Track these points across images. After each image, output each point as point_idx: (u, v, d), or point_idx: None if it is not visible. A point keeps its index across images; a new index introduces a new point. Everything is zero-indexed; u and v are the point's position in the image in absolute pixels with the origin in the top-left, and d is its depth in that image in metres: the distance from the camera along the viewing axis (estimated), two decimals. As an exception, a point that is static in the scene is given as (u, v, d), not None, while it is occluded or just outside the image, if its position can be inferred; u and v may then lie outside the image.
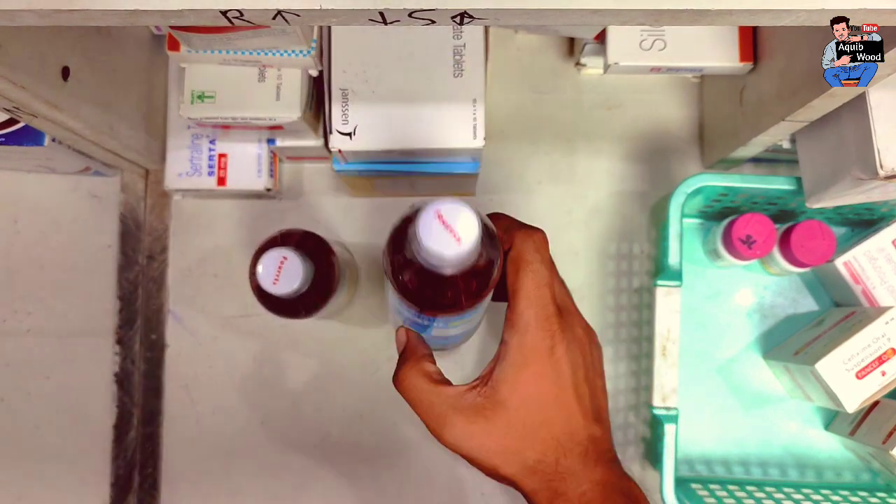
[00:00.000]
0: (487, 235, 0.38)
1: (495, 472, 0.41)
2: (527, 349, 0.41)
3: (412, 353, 0.44)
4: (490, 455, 0.41)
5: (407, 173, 0.57)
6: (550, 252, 0.43)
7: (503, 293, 0.42)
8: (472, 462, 0.42)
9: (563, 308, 0.43)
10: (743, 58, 0.56)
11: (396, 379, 0.44)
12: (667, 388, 0.59)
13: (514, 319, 0.41)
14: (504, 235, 0.42)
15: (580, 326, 0.44)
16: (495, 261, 0.39)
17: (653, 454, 0.65)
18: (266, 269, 0.49)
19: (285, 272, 0.49)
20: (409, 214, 0.38)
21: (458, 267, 0.37)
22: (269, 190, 0.64)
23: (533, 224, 0.44)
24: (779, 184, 0.59)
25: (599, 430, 0.42)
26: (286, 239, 0.54)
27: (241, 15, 0.33)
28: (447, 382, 0.43)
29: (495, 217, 0.44)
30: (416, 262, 0.36)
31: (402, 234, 0.38)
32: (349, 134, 0.52)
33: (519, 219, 0.43)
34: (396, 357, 0.44)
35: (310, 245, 0.54)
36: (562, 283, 0.46)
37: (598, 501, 0.40)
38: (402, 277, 0.39)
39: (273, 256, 0.49)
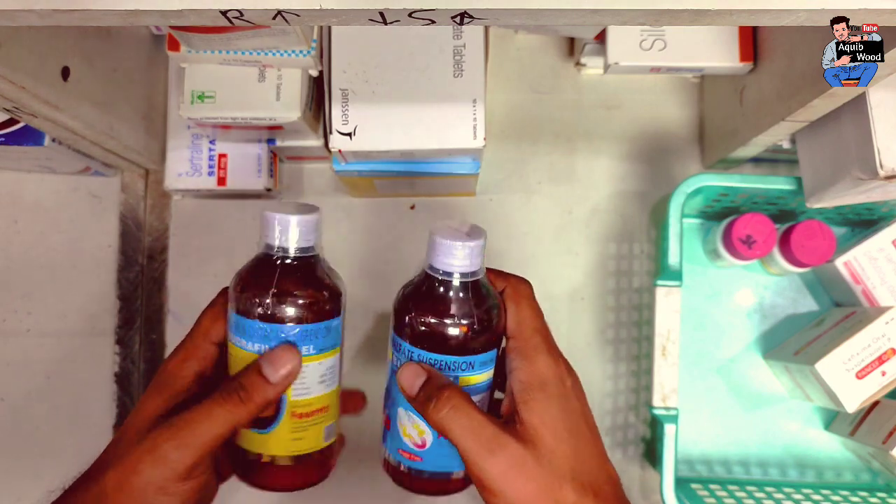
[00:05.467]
0: (486, 288, 0.41)
1: None
2: (543, 376, 0.39)
3: (442, 378, 0.41)
4: (527, 499, 0.38)
5: (407, 173, 0.57)
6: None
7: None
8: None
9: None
10: (743, 58, 0.56)
11: (440, 402, 0.39)
12: (667, 389, 0.59)
13: (521, 347, 0.40)
14: (496, 280, 0.43)
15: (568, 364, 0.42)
16: (494, 309, 0.41)
17: (653, 454, 0.65)
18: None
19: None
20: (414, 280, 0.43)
21: (468, 269, 0.40)
22: (269, 190, 0.64)
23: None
24: (779, 184, 0.59)
25: (613, 470, 0.41)
26: None
27: (241, 15, 0.33)
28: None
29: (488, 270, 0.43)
30: (426, 310, 0.40)
31: (413, 295, 0.42)
32: (349, 134, 0.52)
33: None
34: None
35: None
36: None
37: None
38: (416, 325, 0.41)
39: None
